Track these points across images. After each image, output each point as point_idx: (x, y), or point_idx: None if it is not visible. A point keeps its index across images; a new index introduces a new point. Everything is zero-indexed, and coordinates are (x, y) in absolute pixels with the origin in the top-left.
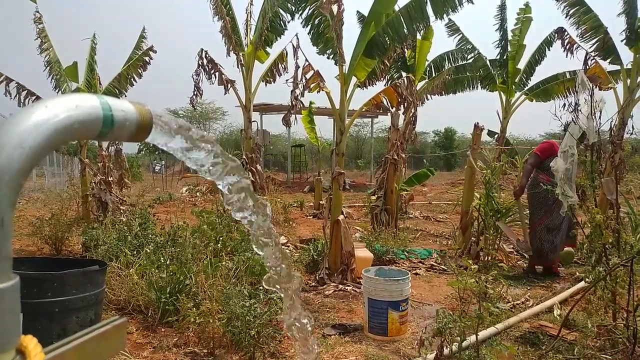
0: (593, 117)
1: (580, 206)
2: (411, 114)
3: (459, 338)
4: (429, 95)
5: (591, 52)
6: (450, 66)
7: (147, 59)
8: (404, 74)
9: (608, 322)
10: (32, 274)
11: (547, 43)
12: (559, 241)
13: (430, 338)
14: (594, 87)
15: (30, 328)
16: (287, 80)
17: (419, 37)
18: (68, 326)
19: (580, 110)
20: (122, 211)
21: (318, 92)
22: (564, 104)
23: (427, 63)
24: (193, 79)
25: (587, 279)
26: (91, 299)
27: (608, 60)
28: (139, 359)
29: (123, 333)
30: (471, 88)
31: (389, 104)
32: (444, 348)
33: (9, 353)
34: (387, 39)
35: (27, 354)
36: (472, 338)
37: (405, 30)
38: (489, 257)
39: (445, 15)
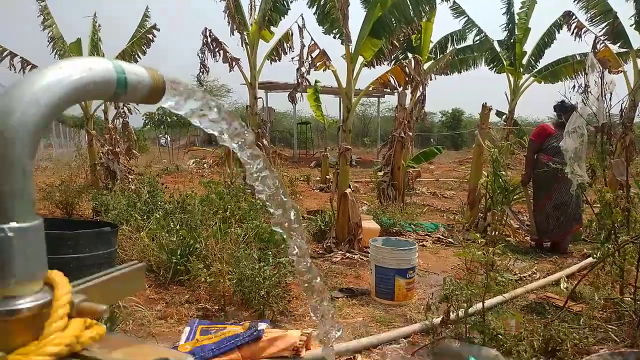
0: (603, 98)
1: (590, 185)
2: (419, 93)
3: (465, 305)
4: (433, 75)
5: (600, 36)
6: (453, 47)
7: (150, 36)
8: (409, 55)
9: (615, 295)
10: (47, 232)
11: (557, 26)
12: (564, 218)
13: (436, 303)
14: (604, 70)
15: None
16: (292, 59)
17: (425, 19)
18: None
19: (590, 92)
20: (130, 180)
21: (324, 70)
22: (574, 86)
23: (432, 44)
24: (199, 56)
25: (595, 255)
26: (104, 257)
27: (618, 45)
28: (153, 311)
29: (142, 276)
30: (475, 66)
31: (397, 84)
32: (451, 313)
33: (38, 282)
34: (393, 20)
35: (55, 285)
36: (479, 306)
37: (412, 12)
38: (496, 232)
39: None
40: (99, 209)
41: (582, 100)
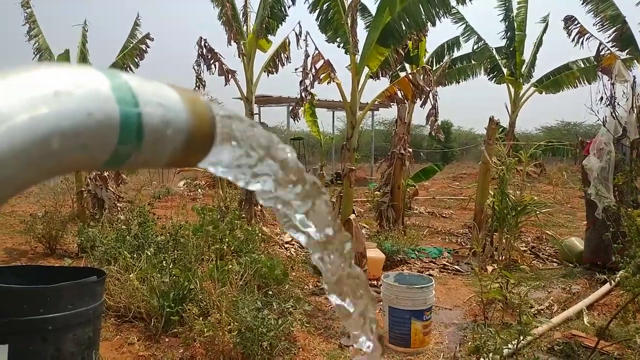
0: (634, 110)
1: (617, 208)
2: (430, 106)
3: (497, 357)
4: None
5: (608, 42)
6: (448, 56)
7: (143, 47)
8: (407, 66)
9: None
10: (21, 288)
11: (544, 32)
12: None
13: (465, 356)
14: (612, 79)
15: (22, 349)
16: (296, 69)
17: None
18: (64, 346)
19: (618, 104)
20: (119, 209)
21: (328, 83)
22: (601, 98)
23: (428, 54)
24: (194, 69)
25: (627, 287)
26: (89, 314)
27: (626, 51)
28: None
29: None
30: (474, 76)
31: (404, 96)
32: None
33: None
34: (403, 26)
35: None
36: (505, 351)
37: (423, 17)
38: (504, 257)
39: (467, 0)
40: (84, 246)
41: (611, 113)
